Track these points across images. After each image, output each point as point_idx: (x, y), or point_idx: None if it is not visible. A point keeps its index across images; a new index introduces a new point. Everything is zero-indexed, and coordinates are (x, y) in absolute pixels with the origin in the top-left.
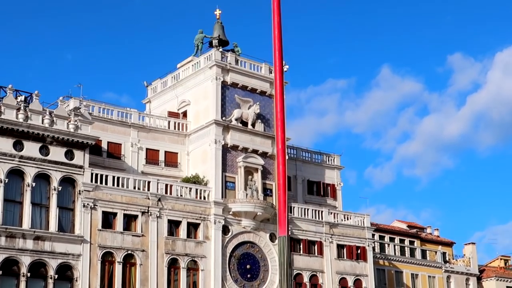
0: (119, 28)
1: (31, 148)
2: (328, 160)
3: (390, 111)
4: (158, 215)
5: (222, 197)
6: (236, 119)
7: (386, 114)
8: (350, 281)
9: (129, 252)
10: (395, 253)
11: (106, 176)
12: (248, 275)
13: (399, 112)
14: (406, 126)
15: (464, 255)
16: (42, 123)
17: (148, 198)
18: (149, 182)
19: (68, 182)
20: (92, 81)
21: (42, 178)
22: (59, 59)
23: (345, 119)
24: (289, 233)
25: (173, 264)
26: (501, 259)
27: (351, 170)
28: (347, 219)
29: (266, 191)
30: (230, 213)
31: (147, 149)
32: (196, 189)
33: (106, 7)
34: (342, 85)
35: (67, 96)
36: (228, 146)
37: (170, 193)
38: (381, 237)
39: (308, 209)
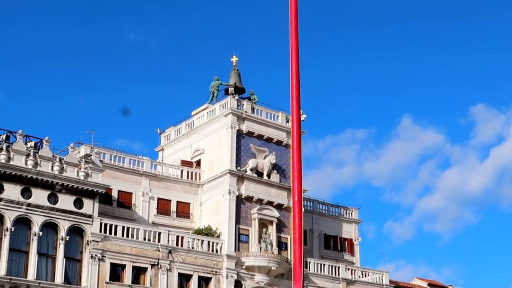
0: (133, 73)
1: (39, 196)
2: (346, 214)
3: (410, 163)
4: (168, 268)
5: (235, 250)
6: (251, 169)
7: (406, 166)
8: None
9: None
10: None
11: (116, 226)
12: None
13: (420, 164)
14: (427, 179)
15: None
16: (52, 170)
17: (158, 250)
18: (159, 233)
19: (76, 232)
20: (104, 127)
21: (50, 227)
22: (72, 104)
23: (364, 170)
24: None
25: None
26: None
27: (370, 224)
28: (365, 275)
29: (281, 245)
30: (243, 267)
31: (158, 198)
32: (208, 242)
33: (121, 52)
34: (362, 135)
35: (78, 143)
36: (243, 197)
37: (181, 245)
38: None
39: (324, 265)
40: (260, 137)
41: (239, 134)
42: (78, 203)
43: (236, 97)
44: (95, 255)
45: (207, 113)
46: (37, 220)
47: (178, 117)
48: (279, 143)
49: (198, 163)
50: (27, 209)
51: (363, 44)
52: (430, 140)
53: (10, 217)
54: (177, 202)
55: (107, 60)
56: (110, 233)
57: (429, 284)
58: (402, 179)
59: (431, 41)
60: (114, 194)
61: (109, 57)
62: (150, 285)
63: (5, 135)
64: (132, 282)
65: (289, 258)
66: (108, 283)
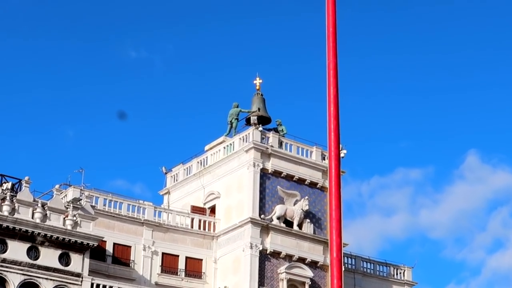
0: (134, 99)
1: (16, 250)
2: (397, 274)
3: (478, 211)
4: None
5: None
6: (278, 218)
7: (472, 215)
8: None
9: None
10: None
11: (111, 287)
12: None
13: (489, 212)
14: (498, 231)
15: None
16: (32, 217)
17: None
18: None
19: None
20: (97, 165)
21: None
22: (58, 136)
23: (419, 220)
24: None
25: None
26: None
27: (427, 287)
28: None
29: None
30: None
31: (163, 253)
32: None
33: (119, 72)
34: (416, 176)
35: (65, 184)
36: (267, 252)
37: None
38: None
39: None
40: (289, 177)
41: (264, 174)
42: (64, 259)
43: (260, 128)
44: None
45: (224, 148)
46: (14, 280)
47: (188, 153)
48: (313, 185)
49: (213, 209)
50: (1, 266)
51: (417, 68)
52: (501, 182)
53: None
54: (186, 258)
55: (102, 83)
56: None
57: None
58: (468, 231)
59: (500, 66)
60: (109, 248)
61: (105, 79)
62: None
63: None
64: None
65: None
66: None
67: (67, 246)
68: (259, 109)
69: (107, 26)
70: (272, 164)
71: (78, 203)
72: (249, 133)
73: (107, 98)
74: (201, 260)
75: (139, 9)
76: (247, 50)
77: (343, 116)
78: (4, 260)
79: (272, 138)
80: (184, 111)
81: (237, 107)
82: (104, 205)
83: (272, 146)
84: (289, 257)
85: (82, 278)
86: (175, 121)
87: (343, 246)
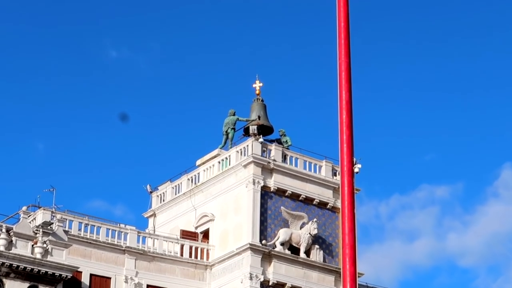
0: (113, 104)
1: None
2: None
3: None
4: None
5: None
6: (282, 244)
7: (509, 239)
8: None
9: None
10: None
11: None
12: None
13: None
14: None
15: None
16: None
17: None
18: None
19: None
20: (71, 184)
21: None
22: (25, 151)
23: (447, 245)
24: None
25: None
26: None
27: None
28: None
29: None
30: None
31: (148, 286)
32: None
33: (97, 74)
34: (443, 194)
35: (34, 206)
36: (270, 283)
37: None
38: None
39: None
40: (295, 196)
41: (265, 193)
42: None
43: (261, 140)
44: None
45: (219, 162)
46: None
47: (177, 168)
48: (322, 205)
49: (206, 234)
50: None
51: (443, 71)
52: None
53: None
54: None
55: (77, 88)
56: None
57: None
58: (503, 258)
59: None
60: (85, 280)
61: (81, 83)
62: None
63: None
64: None
65: None
66: None
67: (36, 278)
68: (259, 117)
69: (82, 23)
70: (274, 181)
71: (49, 227)
72: (247, 145)
73: (83, 105)
74: None
75: (119, 2)
76: (245, 49)
77: (357, 125)
78: None
79: (275, 150)
80: (172, 120)
81: (234, 115)
82: (79, 230)
83: (274, 160)
84: None
85: None
86: (162, 131)
87: (358, 277)
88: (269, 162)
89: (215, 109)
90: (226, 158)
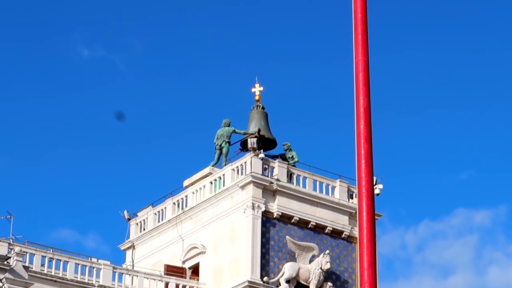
0: (84, 113)
1: None
2: None
3: None
4: None
5: None
6: (287, 281)
7: None
8: None
9: None
10: None
11: None
12: None
13: None
14: None
15: None
16: None
17: None
18: None
19: None
20: (33, 210)
21: None
22: None
23: (487, 281)
24: None
25: None
26: None
27: None
28: None
29: None
30: None
31: None
32: None
33: (61, 84)
34: (483, 220)
35: None
36: None
37: None
38: None
39: None
40: (303, 224)
41: (267, 220)
42: None
43: (261, 155)
44: None
45: (211, 182)
46: None
47: (160, 191)
48: (336, 234)
49: (195, 270)
50: None
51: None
52: None
53: None
54: None
55: (42, 93)
56: None
57: None
58: None
59: None
60: None
61: (46, 88)
62: None
63: None
64: None
65: None
66: None
67: None
68: (259, 129)
69: (47, 14)
70: (278, 205)
71: (5, 262)
72: (245, 162)
73: (47, 113)
74: None
75: None
76: (242, 46)
77: (377, 137)
78: None
79: (279, 168)
80: (155, 133)
81: (229, 125)
82: (43, 265)
83: (278, 179)
84: None
85: None
86: (142, 146)
87: None
88: (272, 183)
89: (206, 119)
90: (220, 178)
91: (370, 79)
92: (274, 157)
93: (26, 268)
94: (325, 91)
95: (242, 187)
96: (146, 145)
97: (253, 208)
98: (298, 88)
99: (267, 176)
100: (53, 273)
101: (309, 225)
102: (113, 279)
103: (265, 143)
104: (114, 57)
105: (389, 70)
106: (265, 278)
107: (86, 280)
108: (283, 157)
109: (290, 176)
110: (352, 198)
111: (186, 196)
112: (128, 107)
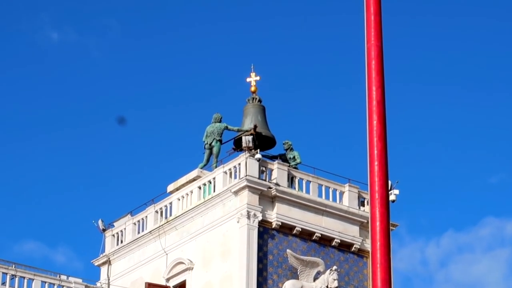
0: (53, 110)
1: None
2: None
3: None
4: None
5: None
6: None
7: None
8: None
9: None
10: None
11: None
12: None
13: None
14: None
15: None
16: None
17: None
18: None
19: None
20: None
21: None
22: None
23: None
24: None
25: None
26: None
27: None
28: None
29: None
30: None
31: None
32: None
33: (27, 72)
34: None
35: None
36: None
37: None
38: None
39: None
40: (306, 235)
41: (265, 230)
42: None
43: (258, 155)
44: None
45: (199, 187)
46: None
47: (141, 197)
48: (345, 247)
49: None
50: None
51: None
52: None
53: None
54: None
55: (4, 83)
56: None
57: None
58: None
59: None
60: None
61: (10, 77)
62: None
63: None
64: None
65: None
66: None
67: None
68: (255, 126)
69: None
70: (278, 214)
71: None
72: (239, 164)
73: (8, 107)
74: None
75: None
76: (235, 29)
77: (392, 135)
78: None
79: (278, 171)
80: (134, 130)
81: (220, 121)
82: (4, 283)
83: (277, 184)
84: None
85: None
86: (120, 145)
87: None
88: (270, 187)
89: (194, 113)
90: (210, 182)
91: (384, 67)
92: (273, 157)
93: None
94: (332, 81)
95: (236, 192)
96: (123, 144)
97: (249, 217)
98: (300, 77)
99: (265, 180)
100: None
101: (314, 237)
102: None
103: (262, 142)
104: (87, 41)
105: (407, 56)
106: None
107: None
108: (283, 158)
109: (291, 180)
110: (363, 205)
111: (171, 203)
112: (103, 98)
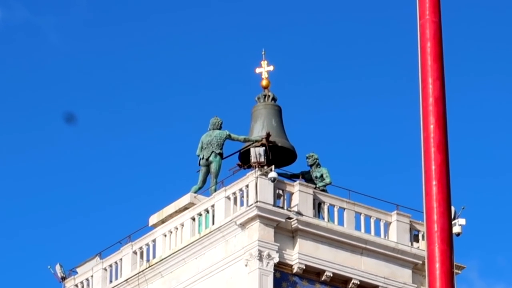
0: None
1: None
2: None
3: None
4: None
5: None
6: None
7: None
8: None
9: None
10: None
11: None
12: None
13: None
14: None
15: None
16: None
17: None
18: None
19: None
20: None
21: None
22: None
23: None
24: None
25: None
26: None
27: None
28: None
29: None
30: None
31: None
32: None
33: None
34: None
35: None
36: None
37: None
38: None
39: None
40: (339, 282)
41: (283, 276)
42: None
43: (273, 174)
44: None
45: (193, 219)
46: None
47: (114, 233)
48: None
49: None
50: None
51: None
52: None
53: None
54: None
55: None
56: None
57: None
58: None
59: None
60: None
61: None
62: None
63: None
64: None
65: None
66: None
67: None
68: (268, 134)
69: None
70: (300, 254)
71: None
72: (247, 186)
73: None
74: None
75: None
76: (241, 7)
77: (454, 146)
78: None
79: (300, 194)
80: (104, 141)
81: (220, 128)
82: None
83: (299, 213)
84: None
85: None
86: (83, 161)
87: None
88: (290, 218)
89: (185, 118)
90: (207, 211)
91: (443, 52)
92: (293, 176)
93: None
94: (369, 71)
95: (243, 225)
96: (89, 160)
97: (261, 258)
98: (328, 68)
99: (282, 208)
100: None
101: (350, 285)
102: None
103: (278, 155)
104: (40, 20)
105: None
106: None
107: None
108: (306, 177)
109: (318, 207)
110: (417, 241)
111: (154, 241)
112: (61, 93)
